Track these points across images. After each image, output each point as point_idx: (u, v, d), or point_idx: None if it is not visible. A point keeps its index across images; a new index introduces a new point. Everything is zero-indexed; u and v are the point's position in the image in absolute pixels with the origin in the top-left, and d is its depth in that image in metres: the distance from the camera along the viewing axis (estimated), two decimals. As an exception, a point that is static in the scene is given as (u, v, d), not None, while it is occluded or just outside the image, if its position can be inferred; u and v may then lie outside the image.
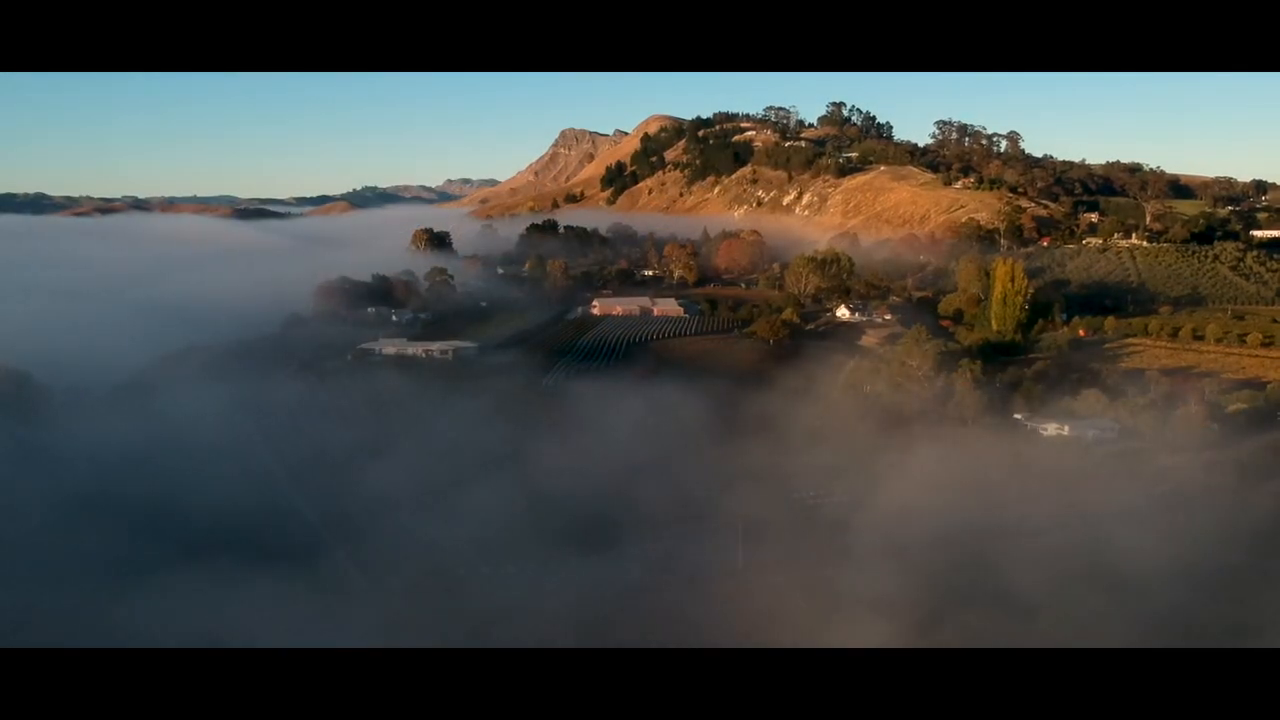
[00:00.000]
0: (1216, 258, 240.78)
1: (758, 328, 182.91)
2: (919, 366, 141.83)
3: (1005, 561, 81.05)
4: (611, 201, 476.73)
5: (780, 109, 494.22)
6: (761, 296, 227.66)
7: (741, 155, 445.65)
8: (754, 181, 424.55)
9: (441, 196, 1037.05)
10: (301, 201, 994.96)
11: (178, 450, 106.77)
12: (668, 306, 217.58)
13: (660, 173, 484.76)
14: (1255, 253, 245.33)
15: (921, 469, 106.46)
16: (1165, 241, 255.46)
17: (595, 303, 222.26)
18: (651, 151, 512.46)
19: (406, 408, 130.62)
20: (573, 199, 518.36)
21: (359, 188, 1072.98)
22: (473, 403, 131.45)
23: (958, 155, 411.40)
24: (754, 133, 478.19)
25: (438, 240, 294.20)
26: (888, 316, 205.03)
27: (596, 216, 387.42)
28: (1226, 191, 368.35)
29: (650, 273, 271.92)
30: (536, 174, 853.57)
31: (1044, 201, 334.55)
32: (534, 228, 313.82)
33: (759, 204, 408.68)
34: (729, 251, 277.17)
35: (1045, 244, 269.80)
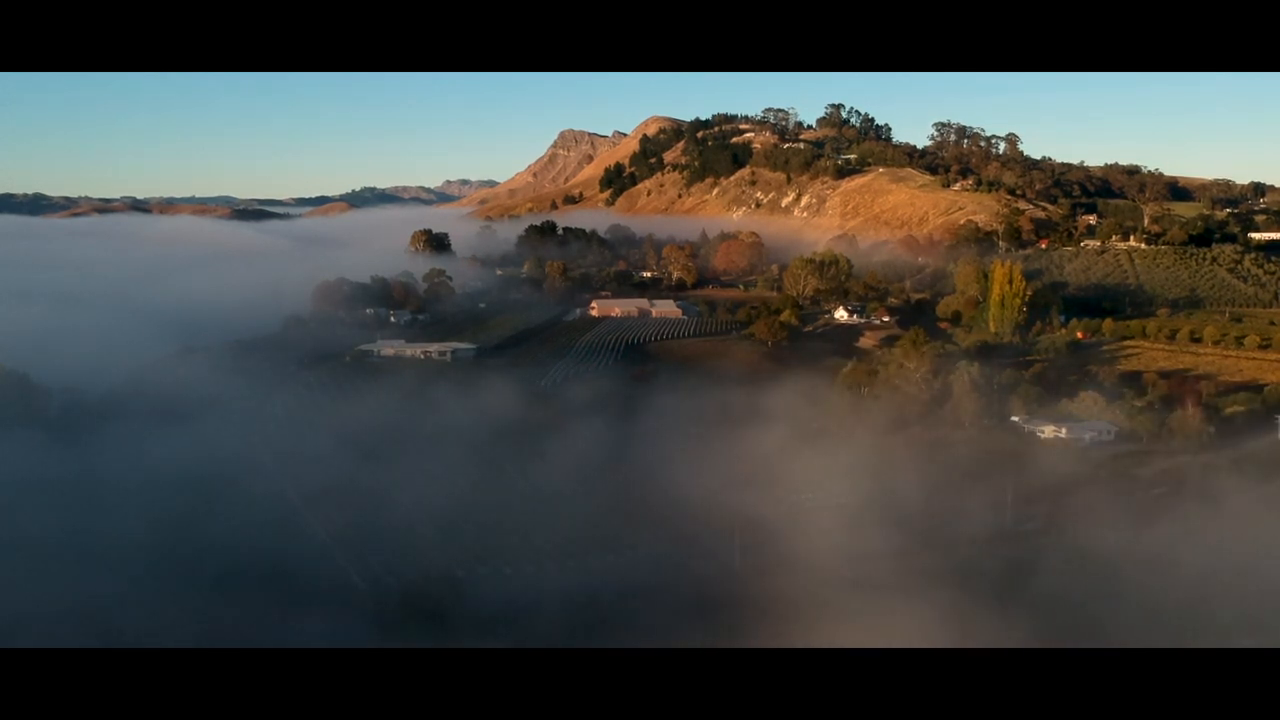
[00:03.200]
0: (1214, 260, 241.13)
1: (756, 329, 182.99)
2: (917, 368, 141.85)
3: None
4: (610, 203, 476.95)
5: (779, 110, 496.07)
6: (760, 298, 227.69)
7: (740, 157, 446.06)
8: (753, 183, 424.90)
9: (440, 197, 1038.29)
10: (300, 202, 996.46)
11: (180, 458, 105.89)
12: (666, 308, 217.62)
13: (659, 174, 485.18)
14: (1253, 255, 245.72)
15: (918, 471, 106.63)
16: (1163, 244, 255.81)
17: (594, 304, 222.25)
18: (650, 153, 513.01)
19: (404, 411, 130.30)
20: (571, 200, 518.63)
21: (358, 188, 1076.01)
22: (471, 404, 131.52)
23: (956, 157, 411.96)
24: (753, 134, 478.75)
25: (436, 241, 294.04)
26: (886, 318, 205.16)
27: (595, 218, 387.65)
28: (1225, 194, 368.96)
29: (649, 274, 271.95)
30: (535, 175, 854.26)
31: (1042, 203, 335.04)
32: (533, 229, 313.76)
33: (757, 205, 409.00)
34: (727, 253, 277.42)
35: (1043, 246, 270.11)
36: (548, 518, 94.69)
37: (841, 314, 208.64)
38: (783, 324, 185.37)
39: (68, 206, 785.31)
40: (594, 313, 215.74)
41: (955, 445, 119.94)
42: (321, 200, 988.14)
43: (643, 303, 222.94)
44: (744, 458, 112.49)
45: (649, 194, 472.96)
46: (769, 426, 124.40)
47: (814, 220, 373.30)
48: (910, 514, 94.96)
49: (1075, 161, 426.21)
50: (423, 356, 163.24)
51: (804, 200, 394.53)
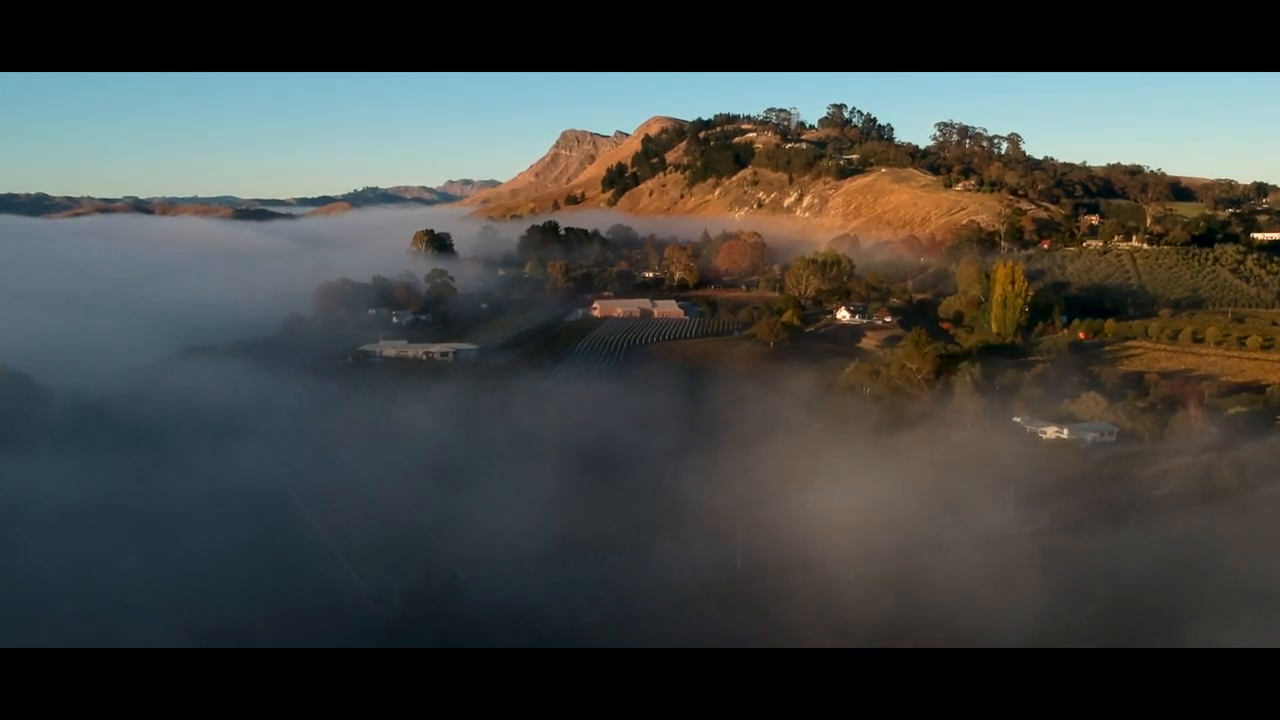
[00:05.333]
0: (1217, 260, 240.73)
1: (758, 330, 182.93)
2: (918, 369, 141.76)
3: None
4: (612, 203, 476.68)
5: (781, 110, 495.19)
6: (761, 298, 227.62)
7: (742, 157, 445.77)
8: (754, 183, 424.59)
9: (442, 197, 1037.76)
10: (303, 202, 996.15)
11: (181, 461, 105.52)
12: (668, 308, 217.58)
13: (661, 174, 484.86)
14: (1255, 255, 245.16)
15: (918, 472, 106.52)
16: (1165, 244, 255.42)
17: (595, 304, 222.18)
18: (652, 153, 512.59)
19: (405, 412, 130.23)
20: (573, 200, 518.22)
21: (360, 188, 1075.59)
22: (472, 405, 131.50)
23: (958, 157, 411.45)
24: (755, 134, 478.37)
25: (438, 241, 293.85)
26: (888, 319, 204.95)
27: (597, 218, 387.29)
28: (1227, 194, 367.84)
29: (651, 274, 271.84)
30: (537, 175, 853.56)
31: (1044, 204, 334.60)
32: (535, 229, 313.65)
33: (759, 206, 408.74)
34: (729, 253, 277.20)
35: (1045, 246, 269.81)
36: (576, 518, 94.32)
37: (843, 314, 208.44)
38: (784, 324, 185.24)
39: (70, 206, 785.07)
40: (596, 313, 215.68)
41: (957, 446, 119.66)
42: (324, 200, 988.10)
43: (645, 303, 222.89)
44: (745, 457, 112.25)
45: (651, 194, 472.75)
46: (770, 428, 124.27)
47: (816, 220, 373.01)
48: (916, 515, 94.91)
49: (1077, 162, 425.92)
50: (424, 357, 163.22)
51: (806, 200, 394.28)
